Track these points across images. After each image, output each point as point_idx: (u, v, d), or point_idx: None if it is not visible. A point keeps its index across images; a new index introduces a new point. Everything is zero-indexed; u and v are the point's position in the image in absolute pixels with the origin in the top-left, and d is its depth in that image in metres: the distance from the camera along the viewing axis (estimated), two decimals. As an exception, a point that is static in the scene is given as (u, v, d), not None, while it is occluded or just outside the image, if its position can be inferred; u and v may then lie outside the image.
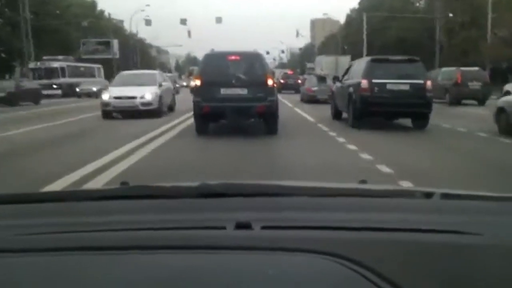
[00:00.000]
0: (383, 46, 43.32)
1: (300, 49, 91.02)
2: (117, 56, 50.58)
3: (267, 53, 74.36)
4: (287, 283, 0.67)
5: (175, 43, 77.88)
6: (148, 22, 52.34)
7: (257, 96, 8.55)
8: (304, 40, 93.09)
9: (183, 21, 51.81)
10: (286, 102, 18.44)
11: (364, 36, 37.38)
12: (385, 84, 9.91)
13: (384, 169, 5.35)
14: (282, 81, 30.48)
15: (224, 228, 0.82)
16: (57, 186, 4.62)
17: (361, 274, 0.66)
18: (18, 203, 1.05)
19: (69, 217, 0.92)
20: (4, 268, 0.71)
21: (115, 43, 50.48)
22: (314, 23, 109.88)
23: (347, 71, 12.14)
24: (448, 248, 0.75)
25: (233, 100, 8.53)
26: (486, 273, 0.69)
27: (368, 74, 10.05)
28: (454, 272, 0.69)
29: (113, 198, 1.05)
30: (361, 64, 11.05)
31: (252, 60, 9.13)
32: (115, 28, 57.47)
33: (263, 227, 0.81)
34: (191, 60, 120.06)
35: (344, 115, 11.40)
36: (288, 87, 29.56)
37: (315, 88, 20.66)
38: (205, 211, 0.93)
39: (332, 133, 9.29)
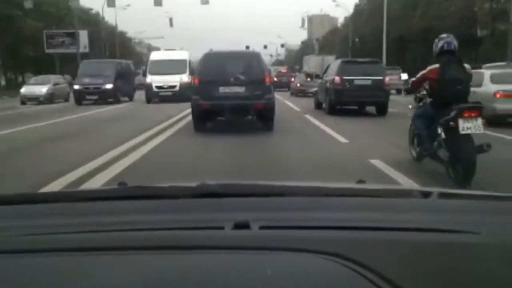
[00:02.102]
0: (401, 37, 39.14)
1: (303, 42, 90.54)
2: (87, 50, 42.07)
3: (265, 47, 72.75)
4: (285, 283, 0.69)
5: (156, 35, 71.98)
6: (111, 3, 41.94)
7: (254, 94, 9.16)
8: (303, 34, 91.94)
9: (158, 2, 40.17)
10: (278, 97, 21.22)
11: (384, 24, 32.77)
12: (353, 80, 13.29)
13: (341, 139, 8.42)
14: (275, 79, 30.97)
15: (222, 228, 0.85)
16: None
17: (360, 273, 0.69)
18: (16, 204, 1.09)
19: (67, 218, 0.95)
20: (3, 269, 0.75)
21: (84, 34, 41.55)
22: (312, 19, 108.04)
23: (326, 70, 15.60)
24: (446, 247, 0.79)
25: (231, 98, 9.17)
26: (484, 272, 0.72)
27: (340, 72, 13.44)
28: (452, 271, 0.72)
29: (111, 199, 1.11)
30: (335, 64, 14.71)
31: (250, 59, 9.95)
32: (90, 20, 49.74)
33: (261, 227, 0.85)
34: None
35: (324, 105, 14.58)
36: (281, 85, 30.64)
37: (303, 84, 25.09)
38: (203, 211, 0.97)
39: (311, 117, 12.60)
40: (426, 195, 1.12)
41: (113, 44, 50.24)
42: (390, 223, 0.88)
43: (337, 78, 13.29)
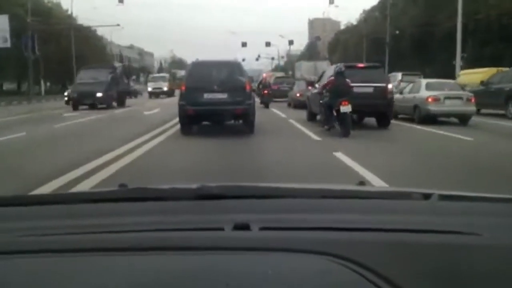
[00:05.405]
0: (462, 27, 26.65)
1: (317, 38, 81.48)
2: (8, 44, 33.08)
3: (267, 44, 69.65)
4: (285, 284, 0.73)
5: (110, 21, 65.12)
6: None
7: (236, 100, 10.66)
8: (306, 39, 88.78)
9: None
10: (274, 111, 19.91)
11: (459, 12, 24.99)
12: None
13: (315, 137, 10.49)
14: (274, 87, 27.09)
15: (222, 229, 0.90)
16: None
17: (360, 274, 0.74)
18: (17, 205, 1.15)
19: (68, 220, 1.01)
20: (3, 269, 0.79)
21: (4, 21, 31.91)
22: (313, 23, 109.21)
23: (321, 76, 15.18)
24: (446, 249, 0.83)
25: (214, 104, 10.68)
26: (484, 273, 0.77)
27: None
28: (452, 272, 0.76)
29: (111, 201, 1.16)
30: (331, 70, 13.33)
31: (232, 68, 11.57)
32: (42, 9, 43.09)
33: (261, 228, 0.90)
34: (176, 62, 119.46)
35: (319, 117, 13.43)
36: (281, 94, 26.19)
37: (304, 93, 19.94)
38: (204, 212, 1.03)
39: (302, 127, 12.74)
40: (427, 197, 1.16)
41: (69, 39, 43.27)
42: (390, 225, 0.93)
43: (333, 86, 12.78)
